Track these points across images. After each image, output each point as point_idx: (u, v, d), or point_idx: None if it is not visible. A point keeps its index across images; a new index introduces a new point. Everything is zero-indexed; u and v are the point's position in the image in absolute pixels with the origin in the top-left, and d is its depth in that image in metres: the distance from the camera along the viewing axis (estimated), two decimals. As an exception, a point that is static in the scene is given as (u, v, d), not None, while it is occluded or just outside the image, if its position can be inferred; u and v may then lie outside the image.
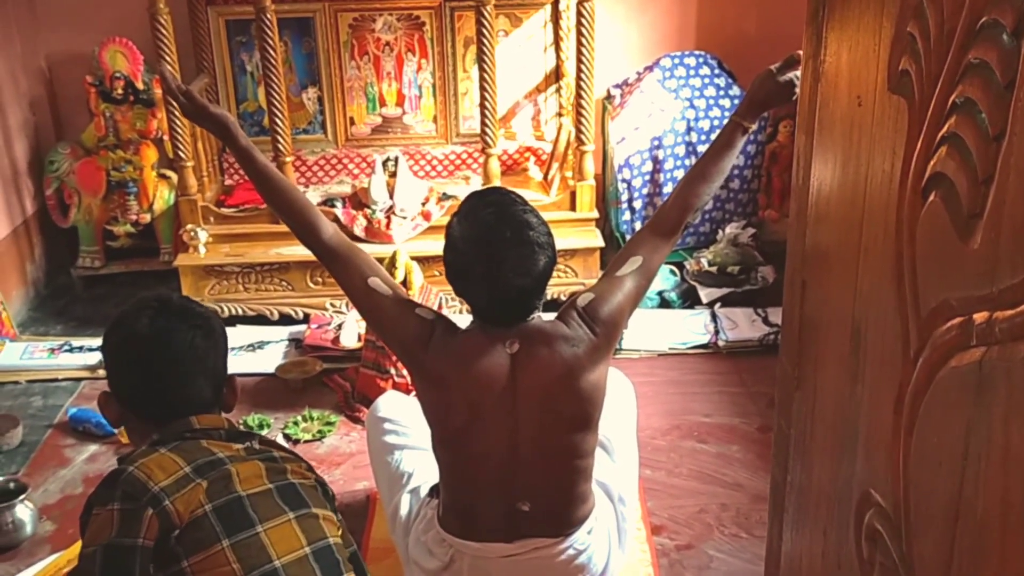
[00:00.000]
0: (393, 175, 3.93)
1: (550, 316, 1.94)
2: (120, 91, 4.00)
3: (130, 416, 1.65)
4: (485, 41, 3.62)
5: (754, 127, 2.08)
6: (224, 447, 1.59)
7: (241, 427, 3.10)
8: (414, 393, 3.09)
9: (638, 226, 4.10)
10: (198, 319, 1.66)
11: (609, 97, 4.32)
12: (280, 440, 3.07)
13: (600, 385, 1.91)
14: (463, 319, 1.98)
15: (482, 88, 3.70)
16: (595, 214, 3.90)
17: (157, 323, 1.62)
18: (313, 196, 4.03)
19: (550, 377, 1.85)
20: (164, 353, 1.61)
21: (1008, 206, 0.80)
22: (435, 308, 3.30)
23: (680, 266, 4.01)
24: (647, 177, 4.06)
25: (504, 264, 1.80)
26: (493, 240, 1.80)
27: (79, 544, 2.52)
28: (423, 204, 3.92)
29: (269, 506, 1.54)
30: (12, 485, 2.71)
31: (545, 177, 4.18)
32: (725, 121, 3.95)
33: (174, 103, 2.00)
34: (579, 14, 3.67)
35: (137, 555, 1.42)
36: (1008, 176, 0.80)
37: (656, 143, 4.01)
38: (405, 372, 3.21)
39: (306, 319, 3.81)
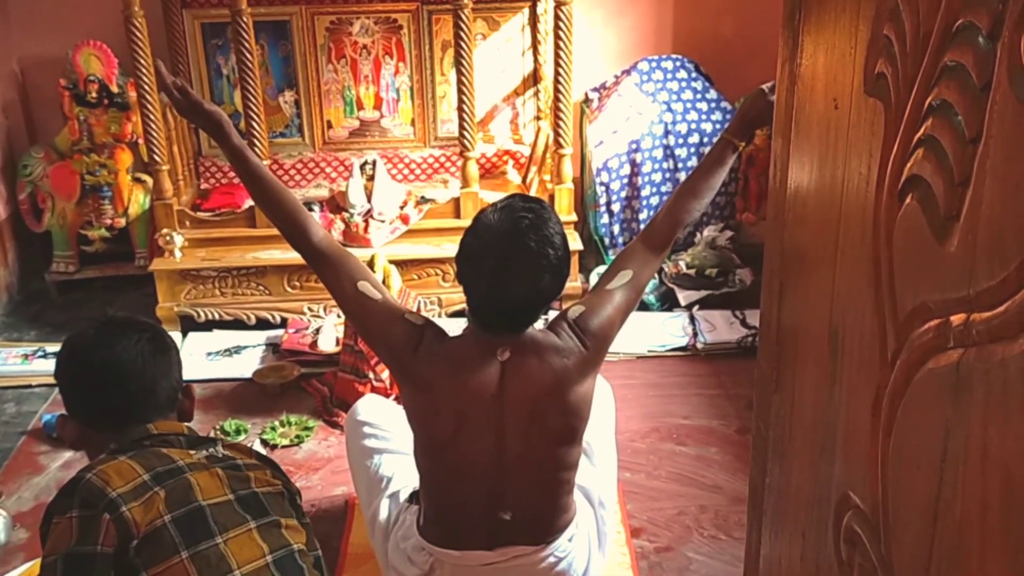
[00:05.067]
0: (371, 179, 3.92)
1: (539, 325, 1.93)
2: (94, 94, 3.96)
3: (88, 432, 1.65)
4: (463, 44, 3.61)
5: (744, 145, 2.11)
6: (184, 455, 1.58)
7: (219, 433, 3.10)
8: (393, 397, 3.10)
9: (616, 229, 4.11)
10: (143, 328, 1.69)
11: (587, 100, 4.33)
12: (257, 445, 3.05)
13: (587, 398, 1.91)
14: (448, 324, 1.97)
15: (460, 91, 3.70)
16: (573, 217, 3.91)
17: (103, 334, 1.65)
18: (290, 200, 4.01)
19: (539, 388, 1.84)
20: (111, 360, 1.62)
21: (985, 208, 0.80)
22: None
23: (659, 269, 4.02)
24: (625, 180, 4.07)
25: (513, 268, 1.79)
26: (515, 241, 1.79)
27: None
28: (401, 208, 3.91)
29: (230, 515, 1.53)
30: (-15, 493, 2.68)
31: (523, 180, 4.18)
32: (703, 124, 4.03)
33: (168, 98, 1.98)
34: (557, 18, 3.67)
35: (97, 562, 1.41)
36: (984, 178, 0.80)
37: (634, 146, 4.02)
38: (384, 376, 3.20)
39: (283, 323, 3.79)
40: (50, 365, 3.50)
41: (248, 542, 1.52)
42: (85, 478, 1.47)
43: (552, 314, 2.07)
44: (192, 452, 1.60)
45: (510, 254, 1.79)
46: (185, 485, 1.51)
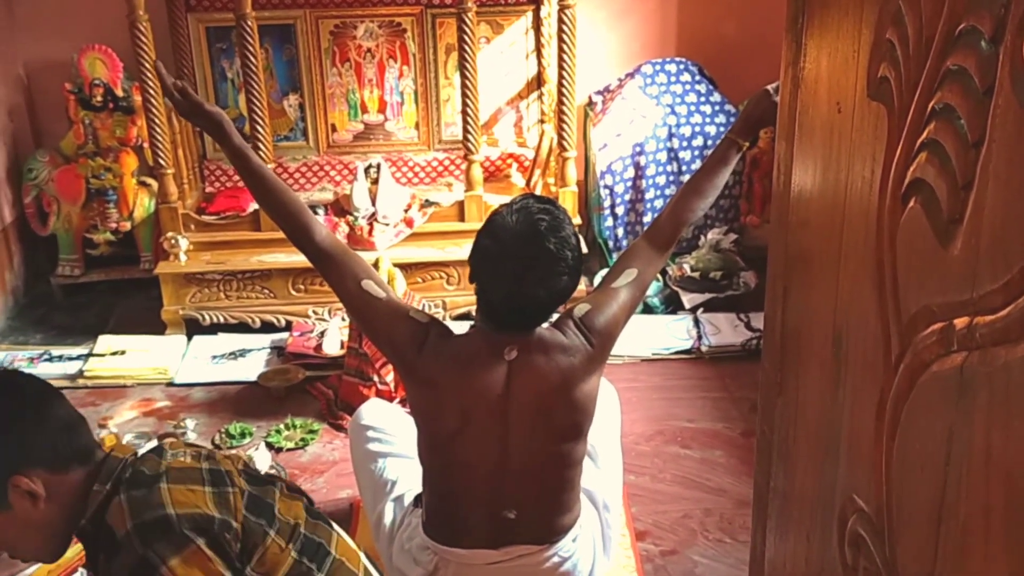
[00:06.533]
0: (375, 182, 3.92)
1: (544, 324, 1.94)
2: (99, 98, 3.98)
3: (57, 479, 1.48)
4: (467, 48, 3.62)
5: (748, 145, 2.11)
6: (195, 463, 1.58)
7: (224, 436, 3.11)
8: (398, 400, 3.10)
9: (620, 232, 4.12)
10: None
11: (591, 103, 4.33)
12: (263, 448, 3.05)
13: (592, 395, 1.91)
14: (454, 325, 1.97)
15: (464, 95, 3.70)
16: (577, 220, 3.91)
17: (33, 380, 1.56)
18: (295, 203, 4.02)
19: (546, 386, 1.85)
20: (39, 383, 1.55)
21: (988, 212, 0.80)
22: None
23: (663, 272, 4.02)
24: (629, 183, 4.07)
25: (534, 270, 1.80)
26: (535, 243, 1.80)
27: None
28: (405, 211, 3.91)
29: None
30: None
31: (527, 183, 4.18)
32: (706, 127, 4.03)
33: (169, 100, 1.98)
34: (560, 21, 3.68)
35: None
36: (987, 182, 0.80)
37: (638, 149, 4.02)
38: (388, 379, 3.20)
39: (288, 327, 3.80)
40: (55, 368, 3.53)
41: (284, 504, 1.62)
42: (174, 514, 1.43)
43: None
44: (176, 459, 1.57)
45: (531, 257, 1.80)
46: (228, 477, 1.56)
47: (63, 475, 1.48)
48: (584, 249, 3.78)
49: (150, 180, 4.08)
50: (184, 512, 1.44)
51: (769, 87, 2.04)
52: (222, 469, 1.57)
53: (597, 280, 3.92)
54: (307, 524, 1.63)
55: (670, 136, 4.04)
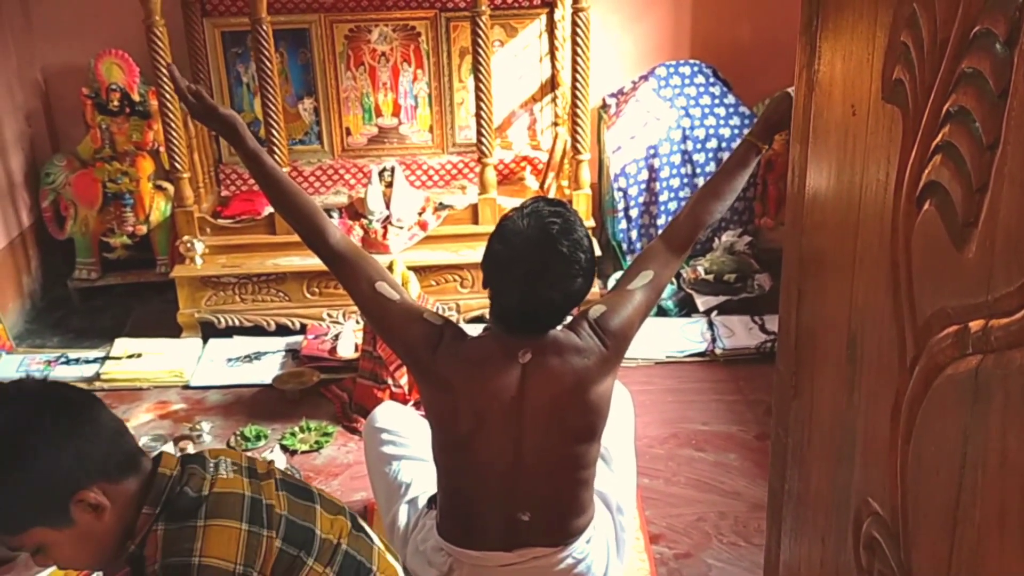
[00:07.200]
0: (389, 185, 3.93)
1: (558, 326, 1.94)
2: (116, 103, 4.00)
3: (114, 489, 1.46)
4: (480, 51, 3.62)
5: (767, 147, 2.11)
6: (227, 483, 1.54)
7: (239, 439, 3.12)
8: (412, 403, 3.11)
9: (634, 235, 4.11)
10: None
11: (605, 106, 4.33)
12: (278, 451, 3.07)
13: (607, 397, 1.91)
14: (468, 328, 1.98)
15: (478, 98, 3.71)
16: (591, 223, 3.91)
17: (77, 389, 1.53)
18: (309, 207, 4.03)
19: (560, 388, 1.85)
20: (100, 405, 1.51)
21: (1002, 215, 0.80)
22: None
23: (677, 274, 4.01)
24: (643, 186, 4.06)
25: (547, 274, 1.80)
26: (547, 247, 1.80)
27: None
28: (420, 214, 3.92)
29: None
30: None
31: (541, 186, 4.18)
32: (721, 129, 4.03)
33: (183, 103, 1.99)
34: (574, 24, 3.68)
35: None
36: (1002, 185, 0.80)
37: (652, 152, 4.02)
38: (402, 382, 3.21)
39: (303, 330, 3.81)
40: (72, 371, 3.55)
41: (325, 523, 1.63)
42: (196, 563, 1.41)
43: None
44: (218, 475, 1.55)
45: (543, 261, 1.80)
46: (266, 517, 1.53)
47: (120, 484, 1.46)
48: (597, 251, 3.81)
49: (166, 184, 4.11)
50: (208, 564, 1.41)
51: (790, 89, 2.03)
52: (263, 500, 1.53)
53: (611, 283, 3.91)
54: (350, 539, 1.62)
55: (684, 138, 4.04)
